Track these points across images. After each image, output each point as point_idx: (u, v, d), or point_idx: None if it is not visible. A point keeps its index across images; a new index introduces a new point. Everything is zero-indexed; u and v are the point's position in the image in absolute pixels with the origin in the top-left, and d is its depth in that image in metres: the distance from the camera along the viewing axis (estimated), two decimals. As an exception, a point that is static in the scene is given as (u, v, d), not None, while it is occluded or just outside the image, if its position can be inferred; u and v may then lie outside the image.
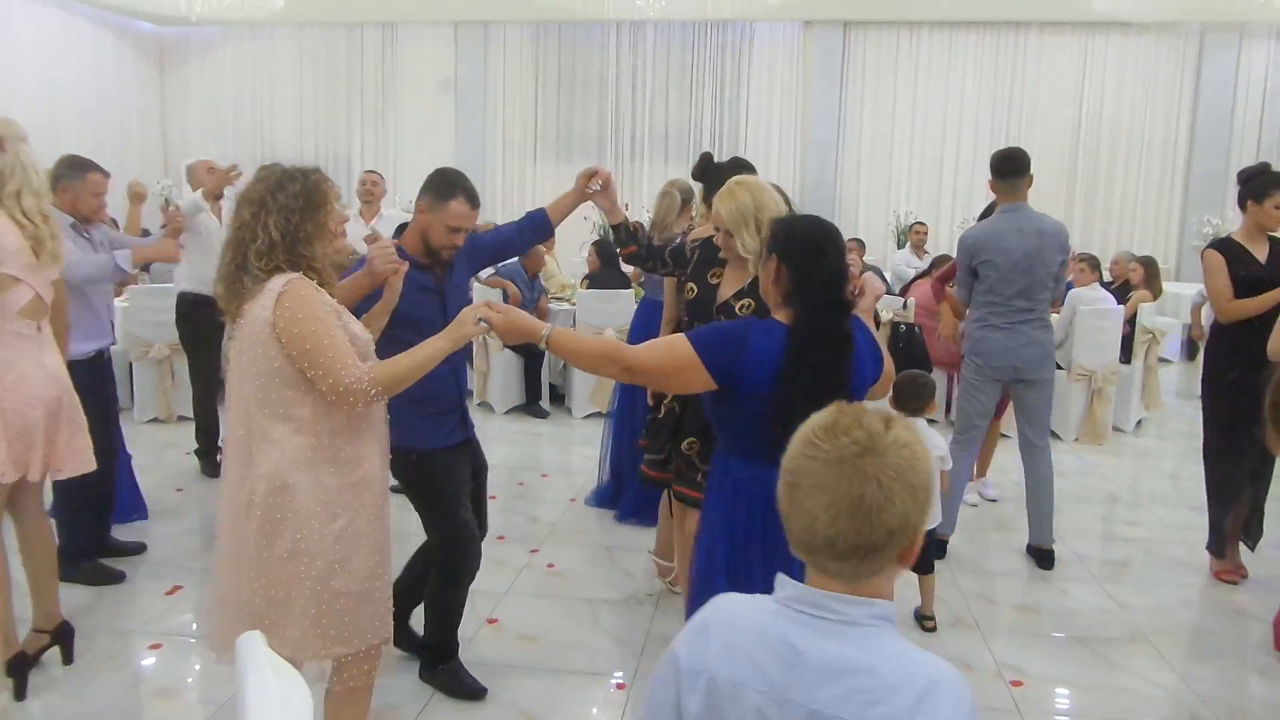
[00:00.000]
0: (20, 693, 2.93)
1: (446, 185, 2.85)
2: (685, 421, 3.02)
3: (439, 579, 3.01)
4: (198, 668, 3.29)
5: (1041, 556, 4.27)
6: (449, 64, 12.23)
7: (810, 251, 2.11)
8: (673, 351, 2.10)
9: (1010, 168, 4.10)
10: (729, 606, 1.28)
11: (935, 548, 4.04)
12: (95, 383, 3.77)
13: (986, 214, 4.56)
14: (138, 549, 4.16)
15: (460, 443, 3.00)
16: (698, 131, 12.05)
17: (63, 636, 3.14)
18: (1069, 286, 6.50)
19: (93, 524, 3.96)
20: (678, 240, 3.54)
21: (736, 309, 2.77)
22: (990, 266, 4.09)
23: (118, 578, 3.88)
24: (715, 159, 3.45)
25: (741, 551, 2.16)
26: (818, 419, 1.22)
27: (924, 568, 3.68)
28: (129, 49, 12.12)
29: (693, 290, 3.06)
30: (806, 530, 1.17)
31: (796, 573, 1.27)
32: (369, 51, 12.39)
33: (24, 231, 2.81)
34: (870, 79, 11.77)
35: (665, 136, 12.14)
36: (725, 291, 2.86)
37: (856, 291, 2.41)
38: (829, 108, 11.75)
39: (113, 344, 4.17)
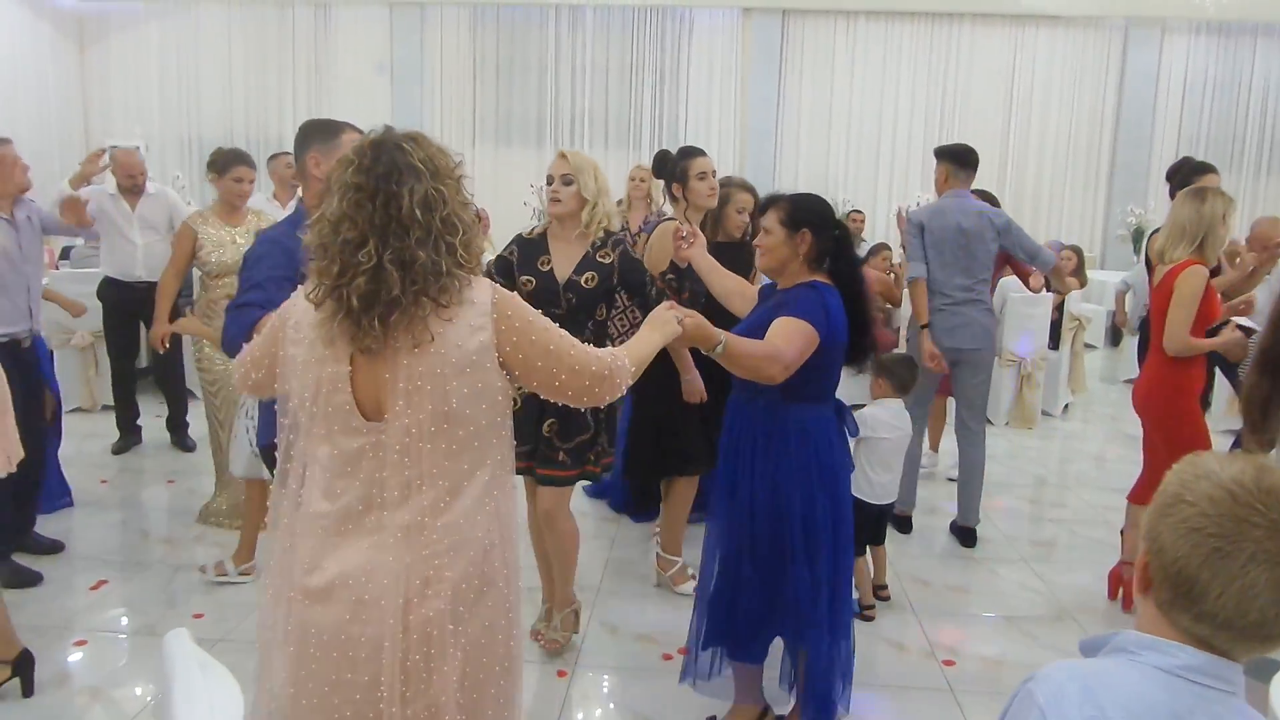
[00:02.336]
0: None
1: (330, 127, 2.59)
2: (546, 405, 2.90)
3: None
4: (124, 664, 3.20)
5: (965, 535, 4.43)
6: (384, 46, 11.98)
7: (837, 225, 2.57)
8: (805, 335, 2.37)
9: (974, 160, 4.45)
10: (1104, 680, 1.14)
11: (896, 521, 4.33)
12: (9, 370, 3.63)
13: None
14: (56, 548, 4.00)
15: None
16: (638, 118, 11.99)
17: (23, 666, 2.90)
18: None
19: (9, 522, 3.78)
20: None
21: (582, 283, 3.03)
22: (934, 244, 4.26)
23: (34, 579, 3.72)
24: (668, 152, 3.81)
25: (836, 484, 2.54)
26: (1234, 472, 1.06)
27: (877, 539, 3.80)
28: (46, 25, 11.61)
29: (530, 282, 3.08)
30: (1236, 607, 1.03)
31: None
32: (300, 31, 12.04)
33: None
34: (809, 68, 11.84)
35: (605, 122, 12.06)
36: (563, 270, 3.06)
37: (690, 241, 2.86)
38: (768, 95, 11.81)
39: (29, 329, 3.95)
